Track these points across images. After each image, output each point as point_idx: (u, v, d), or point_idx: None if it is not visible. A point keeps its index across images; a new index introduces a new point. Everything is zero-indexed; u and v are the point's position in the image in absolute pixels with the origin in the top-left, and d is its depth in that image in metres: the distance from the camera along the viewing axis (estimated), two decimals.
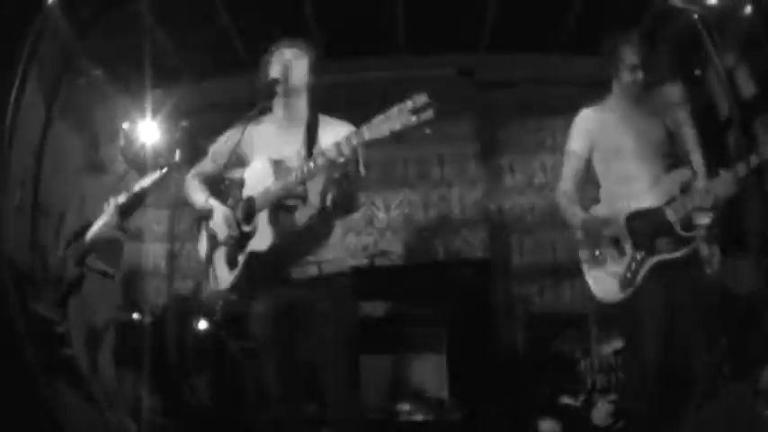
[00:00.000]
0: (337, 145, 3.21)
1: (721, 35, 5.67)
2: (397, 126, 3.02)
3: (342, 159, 3.21)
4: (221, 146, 3.91)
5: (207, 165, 3.97)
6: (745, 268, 5.50)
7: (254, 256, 3.52)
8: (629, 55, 4.09)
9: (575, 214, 4.14)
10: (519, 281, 7.60)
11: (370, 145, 3.16)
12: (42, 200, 5.88)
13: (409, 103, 3.01)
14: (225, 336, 6.08)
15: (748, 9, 5.40)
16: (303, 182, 3.45)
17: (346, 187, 3.44)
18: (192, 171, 4.01)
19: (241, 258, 3.58)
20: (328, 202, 3.56)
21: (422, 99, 3.00)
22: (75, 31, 5.95)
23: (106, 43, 6.19)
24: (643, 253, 3.87)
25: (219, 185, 3.89)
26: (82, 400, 4.63)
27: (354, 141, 3.17)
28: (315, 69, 3.79)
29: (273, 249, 3.46)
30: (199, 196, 3.84)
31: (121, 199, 4.83)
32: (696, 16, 5.61)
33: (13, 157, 5.11)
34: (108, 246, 4.95)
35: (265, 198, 3.52)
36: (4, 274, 4.47)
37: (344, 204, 3.58)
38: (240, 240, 3.59)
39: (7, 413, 3.82)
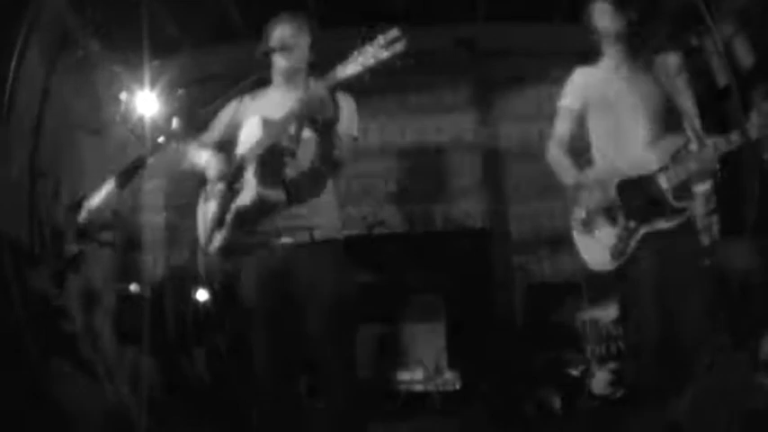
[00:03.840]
0: (313, 87, 3.23)
1: (719, 5, 5.65)
2: (370, 61, 3.06)
3: (318, 100, 3.21)
4: (220, 117, 3.90)
5: (207, 136, 3.96)
6: (741, 247, 5.48)
7: (239, 211, 3.49)
8: (601, 18, 4.06)
9: (567, 173, 4.06)
10: (518, 250, 7.61)
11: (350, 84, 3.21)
12: (40, 172, 5.88)
13: (380, 39, 3.05)
14: (220, 305, 6.10)
15: None
16: (286, 128, 3.43)
17: (327, 136, 3.42)
18: (195, 143, 3.99)
19: (228, 217, 3.55)
20: (315, 153, 3.53)
21: (393, 33, 3.05)
22: (72, 3, 5.94)
23: (103, 15, 6.17)
24: (635, 222, 3.80)
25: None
26: (80, 374, 4.63)
27: (330, 81, 3.19)
28: (314, 45, 3.79)
29: (258, 203, 3.44)
30: (198, 158, 3.81)
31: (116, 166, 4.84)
32: None
33: (10, 131, 5.11)
34: (107, 217, 4.95)
35: (251, 152, 3.51)
36: (2, 247, 4.48)
37: (329, 157, 3.52)
38: (230, 199, 3.56)
39: (4, 391, 3.83)
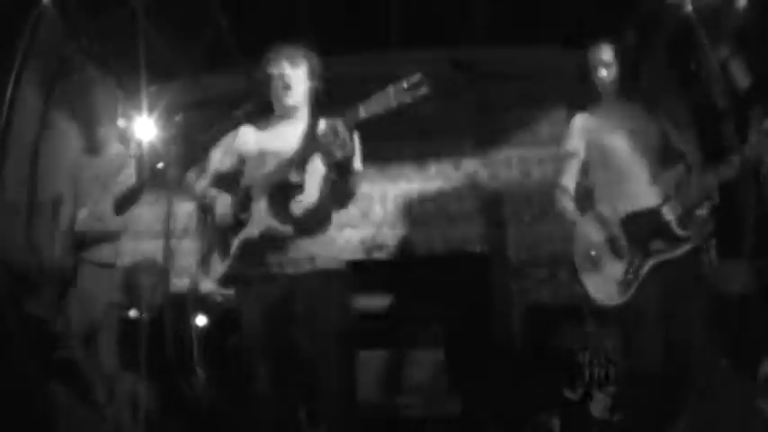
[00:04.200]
0: (333, 125, 3.24)
1: (715, 28, 5.67)
2: (392, 103, 3.10)
3: (338, 140, 3.23)
4: (223, 148, 3.92)
5: (212, 167, 3.97)
6: (738, 270, 5.48)
7: (246, 243, 3.54)
8: (596, 56, 4.14)
9: (572, 216, 4.15)
10: (516, 274, 7.59)
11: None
12: (38, 197, 5.87)
13: (404, 82, 3.08)
14: (221, 331, 6.08)
15: (742, 2, 5.40)
16: (297, 163, 3.47)
17: (343, 173, 3.44)
18: (200, 178, 4.00)
19: (234, 246, 3.59)
20: (325, 191, 3.59)
21: (416, 77, 3.07)
22: (69, 28, 5.95)
23: (101, 40, 6.18)
24: (641, 255, 3.85)
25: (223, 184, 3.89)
26: (77, 400, 4.61)
27: (351, 120, 3.22)
28: (313, 74, 3.83)
29: (265, 236, 3.49)
30: (205, 192, 3.85)
31: (114, 189, 4.84)
32: (690, 10, 5.62)
33: (8, 156, 5.11)
34: (102, 237, 4.94)
35: (260, 185, 3.55)
36: None
37: (341, 192, 3.59)
38: (235, 229, 3.60)
39: (2, 415, 3.82)
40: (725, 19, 5.60)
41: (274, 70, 3.75)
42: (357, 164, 3.61)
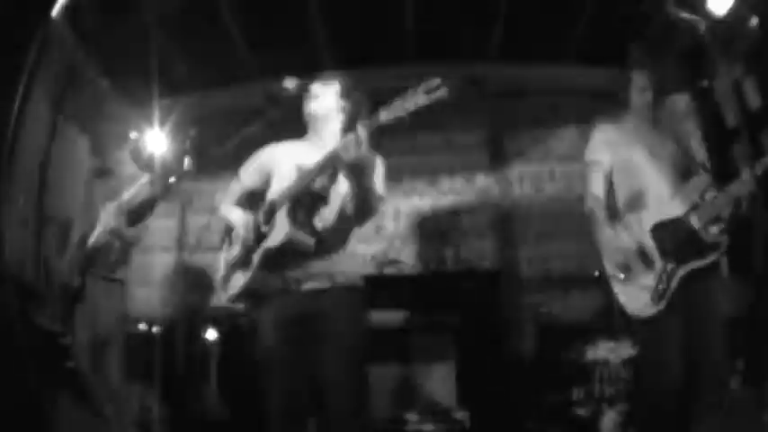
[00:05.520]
0: (354, 133, 3.27)
1: (728, 47, 5.68)
2: (411, 106, 3.13)
3: (357, 142, 3.25)
4: (252, 166, 3.95)
5: (237, 187, 3.99)
6: (748, 287, 5.47)
7: (267, 253, 3.54)
8: (638, 78, 4.15)
9: (603, 225, 4.10)
10: (528, 290, 7.56)
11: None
12: (48, 210, 5.87)
13: (422, 86, 3.12)
14: (233, 345, 6.08)
15: (754, 22, 5.42)
16: (320, 175, 3.49)
17: (364, 183, 3.46)
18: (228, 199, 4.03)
19: (255, 258, 3.60)
20: (347, 202, 3.60)
21: (434, 81, 3.11)
22: (80, 41, 5.96)
23: (112, 54, 6.20)
24: (672, 264, 3.85)
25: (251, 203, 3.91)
26: (86, 414, 4.59)
27: (372, 125, 3.25)
28: (344, 96, 3.86)
29: (287, 246, 3.48)
30: (231, 214, 3.87)
31: (122, 201, 4.84)
32: (703, 29, 5.63)
33: (17, 169, 5.11)
34: (112, 252, 4.94)
35: (283, 196, 3.55)
36: (6, 286, 4.46)
37: (363, 204, 3.57)
38: (257, 241, 3.61)
39: (8, 428, 3.80)
40: (738, 39, 5.61)
41: (308, 105, 3.81)
42: (379, 185, 3.66)
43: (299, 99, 3.80)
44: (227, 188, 4.03)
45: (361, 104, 3.81)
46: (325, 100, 3.80)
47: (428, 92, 3.10)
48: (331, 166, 3.46)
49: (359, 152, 3.26)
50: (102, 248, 4.91)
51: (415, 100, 3.11)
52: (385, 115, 3.20)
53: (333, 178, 3.55)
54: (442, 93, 3.10)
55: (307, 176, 3.50)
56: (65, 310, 4.92)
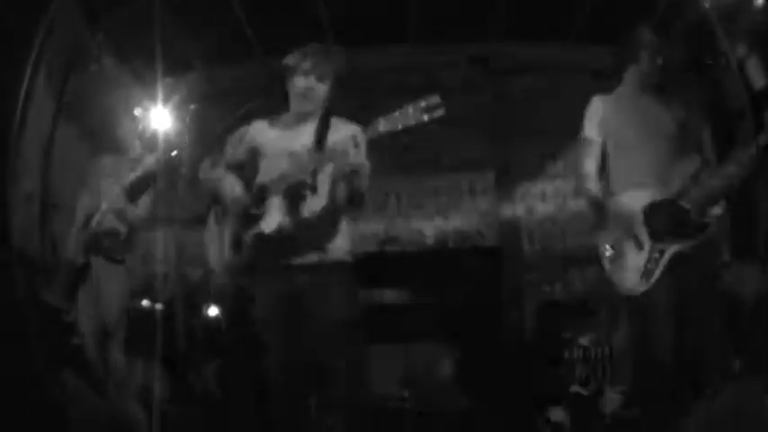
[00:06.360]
0: (353, 137, 3.34)
1: (733, 26, 5.66)
2: (410, 122, 3.23)
3: (355, 151, 3.33)
4: (239, 139, 3.95)
5: (227, 157, 3.99)
6: (752, 270, 5.46)
7: (259, 237, 3.59)
8: (651, 39, 4.12)
9: (595, 202, 4.12)
10: (529, 269, 7.58)
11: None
12: (53, 188, 5.89)
13: (422, 103, 3.21)
14: (232, 321, 6.11)
15: (760, 1, 5.39)
16: (314, 170, 3.51)
17: (356, 183, 3.52)
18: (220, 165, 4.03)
19: (247, 240, 3.65)
20: (337, 195, 3.64)
21: (434, 99, 3.22)
22: (86, 19, 5.97)
23: (117, 31, 6.21)
24: (662, 244, 3.85)
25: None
26: (89, 390, 4.63)
27: (371, 133, 3.33)
28: (337, 78, 3.87)
29: (279, 232, 3.53)
30: (224, 182, 3.86)
31: (127, 183, 4.86)
32: (708, 6, 5.61)
33: (22, 147, 5.13)
34: (115, 232, 4.96)
35: (276, 184, 3.60)
36: (12, 262, 4.49)
37: (352, 200, 3.65)
38: (248, 222, 3.65)
39: (12, 404, 3.83)
40: (742, 17, 5.59)
41: (298, 80, 3.78)
42: (365, 178, 3.64)
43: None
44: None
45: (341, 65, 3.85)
46: (318, 89, 3.78)
47: (427, 110, 3.20)
48: (326, 162, 3.50)
49: (356, 158, 3.35)
50: (107, 230, 4.93)
51: (414, 116, 3.21)
52: (383, 126, 3.27)
53: (324, 169, 3.57)
54: (441, 112, 3.21)
55: (299, 166, 3.54)
56: (69, 288, 4.94)
